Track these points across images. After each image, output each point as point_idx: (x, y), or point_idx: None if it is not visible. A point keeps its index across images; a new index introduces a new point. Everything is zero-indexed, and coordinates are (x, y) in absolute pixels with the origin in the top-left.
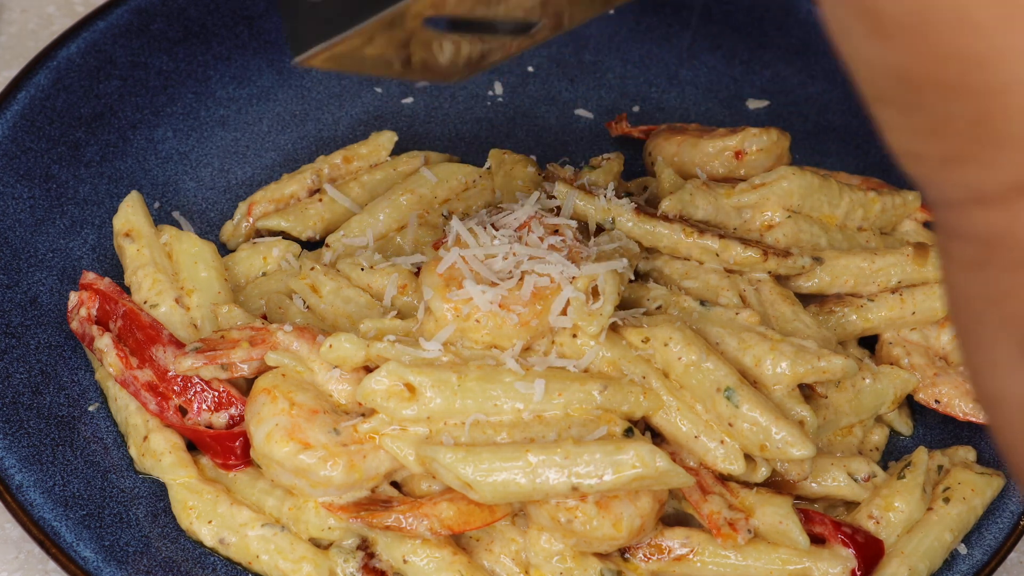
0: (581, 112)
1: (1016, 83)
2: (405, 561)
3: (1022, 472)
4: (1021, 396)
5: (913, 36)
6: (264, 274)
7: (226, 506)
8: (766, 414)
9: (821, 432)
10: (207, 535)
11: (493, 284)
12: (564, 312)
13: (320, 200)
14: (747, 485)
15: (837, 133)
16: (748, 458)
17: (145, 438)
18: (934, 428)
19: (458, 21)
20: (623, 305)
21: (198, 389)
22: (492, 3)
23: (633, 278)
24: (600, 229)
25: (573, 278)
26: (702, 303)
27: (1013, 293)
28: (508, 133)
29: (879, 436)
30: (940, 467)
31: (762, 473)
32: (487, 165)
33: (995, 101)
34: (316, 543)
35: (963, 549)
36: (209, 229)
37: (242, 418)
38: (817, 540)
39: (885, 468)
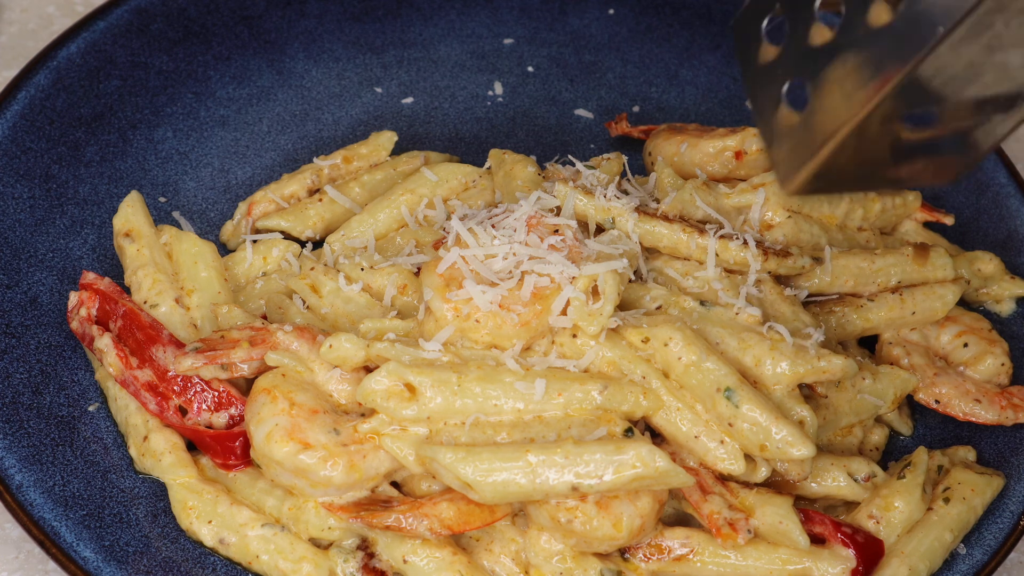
0: (581, 112)
1: None
2: (405, 561)
3: None
4: None
5: None
6: (264, 274)
7: (226, 506)
8: (766, 414)
9: (821, 432)
10: (207, 535)
11: (493, 284)
12: (564, 312)
13: (320, 200)
14: (747, 485)
15: None
16: (748, 458)
17: (145, 438)
18: (934, 428)
19: (939, 114)
20: (623, 305)
21: (198, 389)
22: (962, 88)
23: (633, 278)
24: (600, 229)
25: (573, 278)
26: (702, 303)
27: None
28: (508, 133)
29: (879, 436)
30: (940, 467)
31: (762, 473)
32: (487, 165)
33: None
34: (316, 543)
35: (963, 549)
36: (209, 229)
37: (242, 418)
38: (817, 540)
39: (885, 468)
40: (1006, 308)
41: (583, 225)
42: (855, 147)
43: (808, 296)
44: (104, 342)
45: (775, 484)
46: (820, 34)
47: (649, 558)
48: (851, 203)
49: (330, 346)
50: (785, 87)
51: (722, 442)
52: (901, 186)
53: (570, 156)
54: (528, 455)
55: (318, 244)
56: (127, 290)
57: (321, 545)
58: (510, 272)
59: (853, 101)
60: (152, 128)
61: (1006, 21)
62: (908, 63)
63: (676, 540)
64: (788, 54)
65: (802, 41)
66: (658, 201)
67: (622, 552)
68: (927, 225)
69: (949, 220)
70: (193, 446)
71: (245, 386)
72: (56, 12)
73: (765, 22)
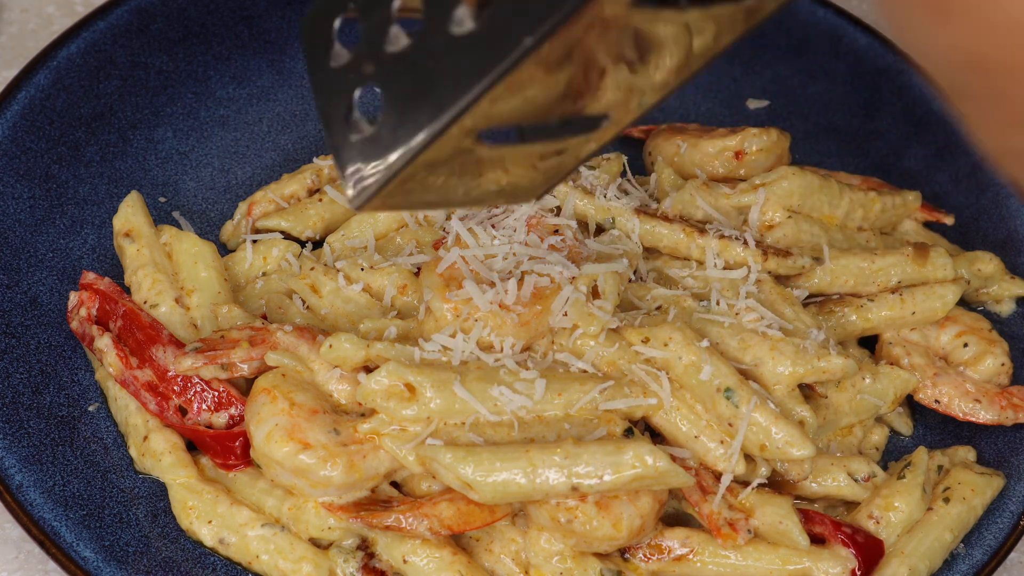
0: None
1: None
2: (405, 561)
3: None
4: None
5: (975, 14)
6: (264, 274)
7: (226, 506)
8: (766, 414)
9: (821, 432)
10: (207, 535)
11: (493, 284)
12: (564, 312)
13: (320, 200)
14: (747, 485)
15: (837, 133)
16: (748, 458)
17: (145, 438)
18: (934, 428)
19: (521, 132)
20: (623, 305)
21: (198, 389)
22: (552, 107)
23: (633, 278)
24: (600, 229)
25: (573, 278)
26: (702, 303)
27: None
28: None
29: (879, 436)
30: (940, 467)
31: (762, 473)
32: None
33: None
34: (316, 543)
35: (963, 549)
36: (209, 229)
37: (242, 418)
38: (817, 540)
39: (885, 468)
40: (1006, 308)
41: (583, 225)
42: (433, 161)
43: (808, 296)
44: (104, 342)
45: (775, 484)
46: (396, 40)
47: (649, 558)
48: (851, 203)
49: (330, 346)
50: (357, 94)
51: (722, 442)
52: (482, 204)
53: None
54: (528, 455)
55: (318, 244)
56: (127, 290)
57: (321, 545)
58: (510, 272)
59: (428, 114)
60: (152, 128)
61: (600, 35)
62: (489, 76)
63: (676, 540)
64: (361, 59)
65: (377, 46)
66: (658, 201)
67: (622, 552)
68: (927, 225)
69: (949, 220)
70: (193, 446)
71: (245, 386)
72: (56, 12)
73: (337, 22)
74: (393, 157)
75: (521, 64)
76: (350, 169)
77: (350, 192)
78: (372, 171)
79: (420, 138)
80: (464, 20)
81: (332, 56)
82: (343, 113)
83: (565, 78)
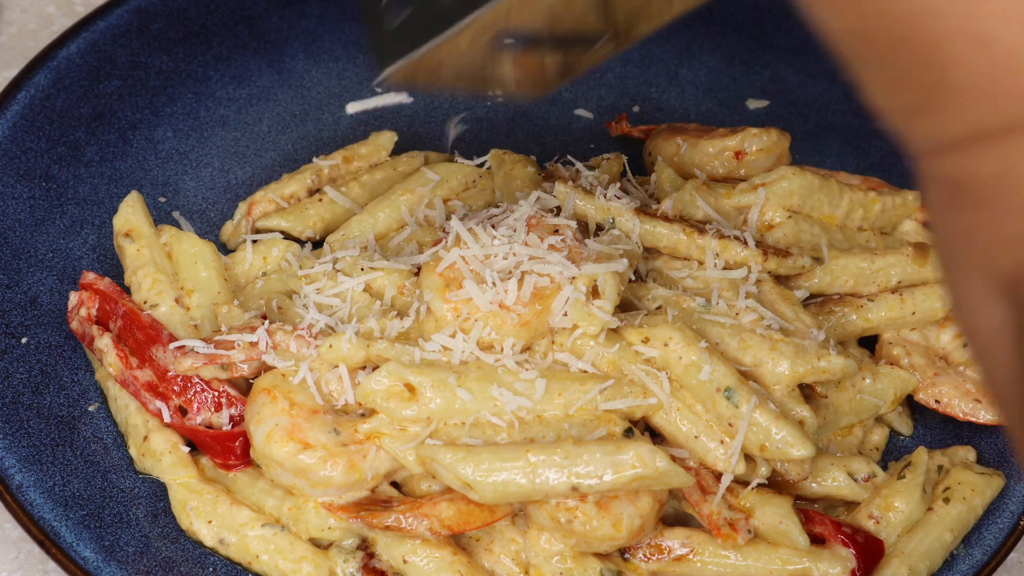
0: (581, 112)
1: (954, 33)
2: (405, 561)
3: (1001, 398)
4: (993, 324)
5: (863, 2)
6: (264, 274)
7: (226, 506)
8: (766, 414)
9: (821, 432)
10: (207, 535)
11: (493, 284)
12: (564, 312)
13: (320, 200)
14: (747, 485)
15: (837, 133)
16: (748, 458)
17: (145, 438)
18: (934, 428)
19: (531, 37)
20: (623, 305)
21: (198, 389)
22: (559, 18)
23: (633, 278)
24: (600, 229)
25: (573, 278)
26: (702, 303)
27: (979, 230)
28: (508, 133)
29: (879, 436)
30: (940, 467)
31: (762, 473)
32: (487, 165)
33: (939, 52)
34: (316, 543)
35: (963, 549)
36: (209, 229)
37: (242, 418)
38: (817, 540)
39: (885, 468)
40: None
41: (583, 225)
42: (452, 48)
43: (808, 296)
44: (104, 342)
45: (775, 484)
46: None
47: (649, 558)
48: (851, 203)
49: (330, 346)
50: None
51: (722, 442)
52: (496, 88)
53: (570, 156)
54: (528, 455)
55: (318, 244)
56: (127, 290)
57: (321, 545)
58: (510, 272)
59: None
60: (152, 128)
61: None
62: None
63: (676, 540)
64: None
65: None
66: (658, 201)
67: (622, 552)
68: (927, 225)
69: None
70: (193, 446)
71: (245, 386)
72: (56, 12)
73: None
74: (417, 42)
75: None
76: (378, 50)
77: (376, 70)
78: (396, 53)
79: (442, 30)
80: None
81: None
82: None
83: None
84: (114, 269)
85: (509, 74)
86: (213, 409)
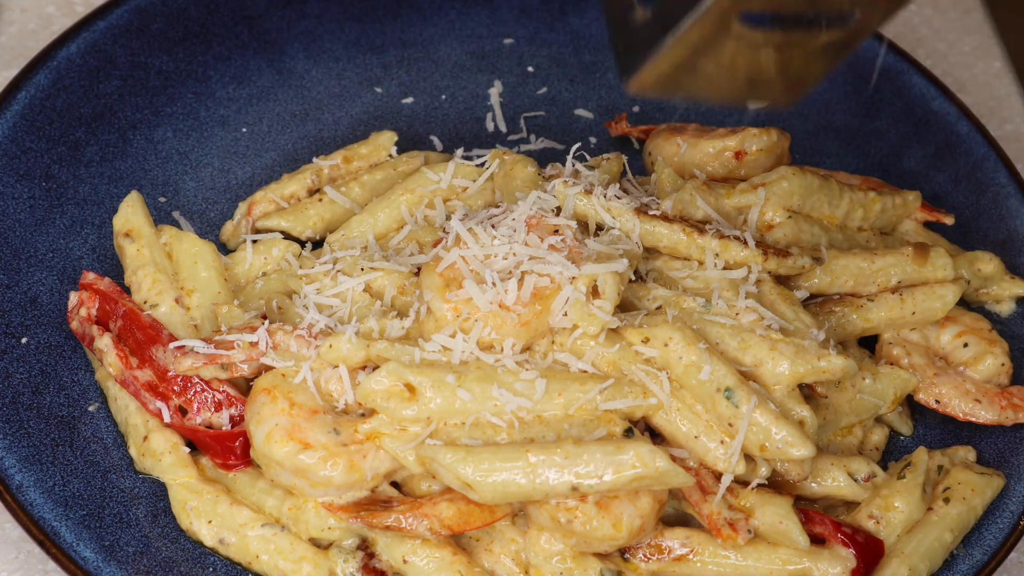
0: (581, 112)
1: None
2: (405, 561)
3: None
4: None
5: None
6: (264, 274)
7: (226, 506)
8: (766, 414)
9: (821, 432)
10: (207, 535)
11: (493, 284)
12: (564, 312)
13: (320, 200)
14: (747, 485)
15: (837, 133)
16: (748, 458)
17: (145, 438)
18: (934, 428)
19: (776, 18)
20: (623, 305)
21: (198, 389)
22: None
23: (633, 278)
24: (600, 229)
25: (573, 278)
26: (702, 303)
27: None
28: (507, 133)
29: (879, 436)
30: (940, 467)
31: (762, 473)
32: (487, 165)
33: None
34: (316, 543)
35: (962, 549)
36: (209, 229)
37: (242, 418)
38: (817, 540)
39: (885, 468)
40: (1006, 308)
41: (583, 225)
42: (700, 41)
43: (808, 296)
44: (104, 342)
45: (775, 484)
46: None
47: (649, 558)
48: (851, 203)
49: (330, 346)
50: None
51: (722, 442)
52: (740, 98)
53: (570, 156)
54: (528, 455)
55: (318, 244)
56: (127, 290)
57: (321, 545)
58: (510, 272)
59: None
60: (152, 128)
61: None
62: None
63: (676, 540)
64: None
65: None
66: (658, 201)
67: (622, 552)
68: (927, 225)
69: (949, 220)
70: (193, 446)
71: (245, 386)
72: (56, 12)
73: None
74: (665, 32)
75: None
76: (626, 53)
77: (625, 74)
78: (645, 50)
79: (690, 14)
80: None
81: None
82: (624, 6)
83: None
84: (114, 269)
85: (769, 72)
86: (213, 409)
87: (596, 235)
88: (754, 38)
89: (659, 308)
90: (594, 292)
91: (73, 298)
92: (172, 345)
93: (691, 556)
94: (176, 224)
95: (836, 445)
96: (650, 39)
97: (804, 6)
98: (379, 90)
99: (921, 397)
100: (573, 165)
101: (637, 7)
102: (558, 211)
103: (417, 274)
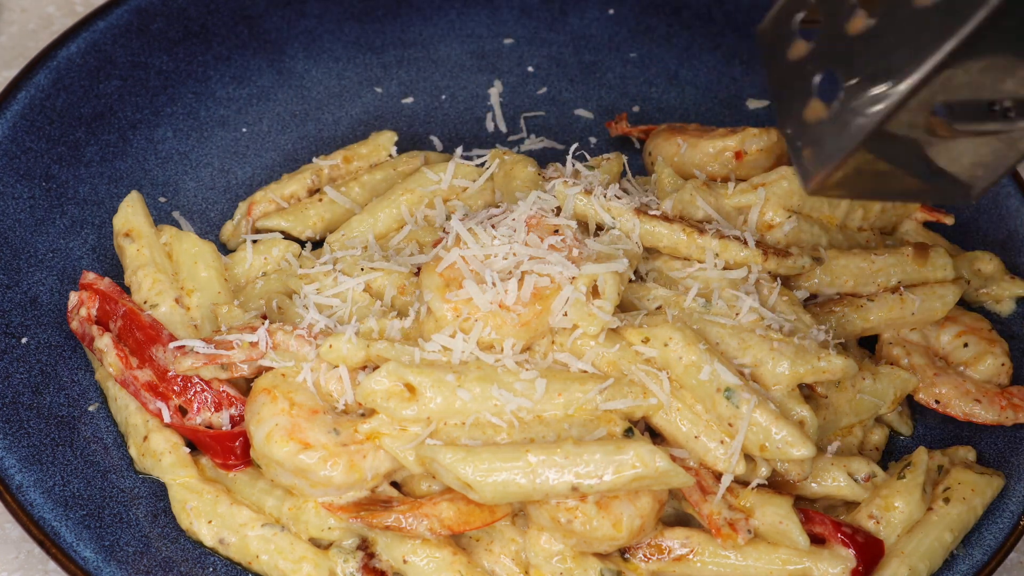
0: (581, 112)
1: None
2: (405, 561)
3: None
4: None
5: None
6: (264, 274)
7: (226, 506)
8: (766, 414)
9: (821, 432)
10: (207, 535)
11: (493, 284)
12: (564, 312)
13: (320, 200)
14: (747, 485)
15: None
16: (748, 458)
17: (145, 438)
18: (934, 428)
19: (969, 108)
20: (623, 305)
21: (198, 389)
22: (1005, 76)
23: (633, 278)
24: (600, 229)
25: (573, 278)
26: (702, 303)
27: None
28: (507, 133)
29: (879, 436)
30: (940, 467)
31: (762, 473)
32: (487, 165)
33: None
34: (316, 543)
35: (962, 549)
36: (209, 229)
37: (242, 418)
38: (817, 540)
39: (885, 468)
40: (1006, 308)
41: (583, 225)
42: (884, 143)
43: (808, 296)
44: (104, 342)
45: (775, 484)
46: (858, 22)
47: (649, 558)
48: (851, 203)
49: (330, 346)
50: (816, 79)
51: (722, 442)
52: (921, 199)
53: (570, 156)
54: (528, 455)
55: (318, 244)
56: (127, 290)
57: (321, 545)
58: (510, 272)
59: (889, 84)
60: (152, 128)
61: None
62: (952, 39)
63: (676, 540)
64: (821, 46)
65: (838, 31)
66: (658, 201)
67: (622, 552)
68: (927, 225)
69: (949, 220)
70: (193, 446)
71: (245, 386)
72: (56, 12)
73: (798, 17)
74: (852, 131)
75: (984, 24)
76: (807, 152)
77: (804, 173)
78: (830, 151)
79: (881, 108)
80: None
81: (792, 49)
82: (801, 101)
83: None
84: (114, 269)
85: (964, 167)
86: (213, 409)
87: (596, 235)
88: (946, 129)
89: (659, 308)
90: (594, 292)
91: (73, 298)
92: (172, 345)
93: (691, 556)
94: (176, 224)
95: (835, 446)
96: (831, 133)
97: (1003, 92)
98: (379, 90)
99: (921, 397)
100: (573, 165)
101: (814, 102)
102: (558, 211)
103: (417, 274)
